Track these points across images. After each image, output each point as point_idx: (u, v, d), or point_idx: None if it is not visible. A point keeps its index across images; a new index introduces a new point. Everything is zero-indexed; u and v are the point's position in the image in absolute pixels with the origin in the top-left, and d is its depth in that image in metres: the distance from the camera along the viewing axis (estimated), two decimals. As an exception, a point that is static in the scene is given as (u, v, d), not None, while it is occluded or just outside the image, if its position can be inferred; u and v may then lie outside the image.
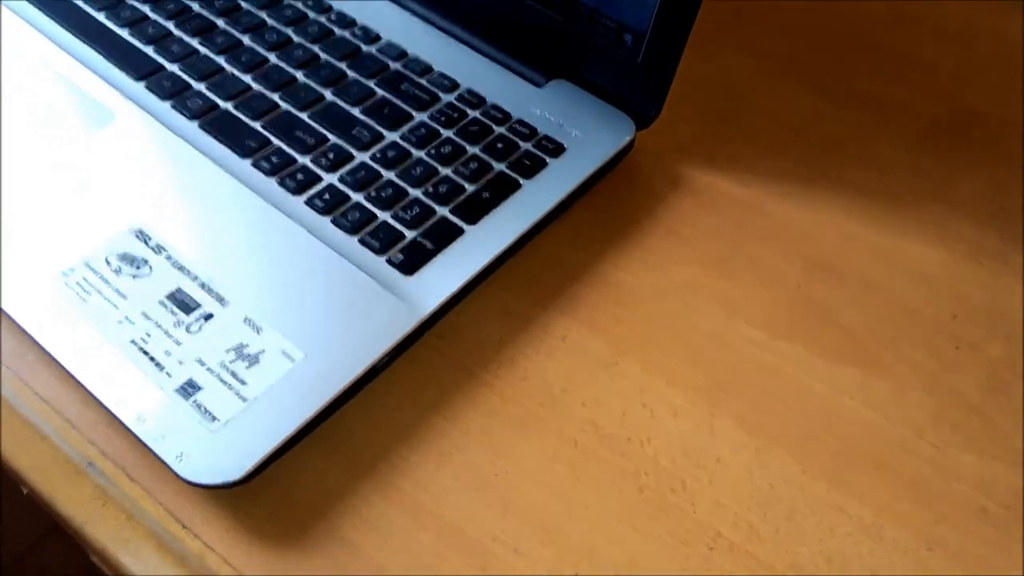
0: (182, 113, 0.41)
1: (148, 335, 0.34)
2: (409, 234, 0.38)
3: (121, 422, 0.32)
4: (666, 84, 0.42)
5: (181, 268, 0.36)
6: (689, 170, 0.44)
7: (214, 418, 0.32)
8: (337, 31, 0.46)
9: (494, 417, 0.34)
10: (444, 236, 0.38)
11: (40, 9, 0.45)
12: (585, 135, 0.42)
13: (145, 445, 0.31)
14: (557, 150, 0.41)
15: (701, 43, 0.48)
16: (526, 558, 0.31)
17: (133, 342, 0.34)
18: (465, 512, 0.32)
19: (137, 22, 0.45)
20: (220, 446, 0.31)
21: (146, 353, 0.33)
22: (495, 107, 0.43)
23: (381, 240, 0.37)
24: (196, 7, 0.46)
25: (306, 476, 0.32)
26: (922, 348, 0.38)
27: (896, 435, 0.35)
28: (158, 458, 0.31)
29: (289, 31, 0.46)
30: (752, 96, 0.47)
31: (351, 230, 0.38)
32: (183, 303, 0.35)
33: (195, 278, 0.36)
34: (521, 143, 0.41)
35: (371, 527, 0.31)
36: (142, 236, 0.37)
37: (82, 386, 0.33)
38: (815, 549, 0.32)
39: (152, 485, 0.32)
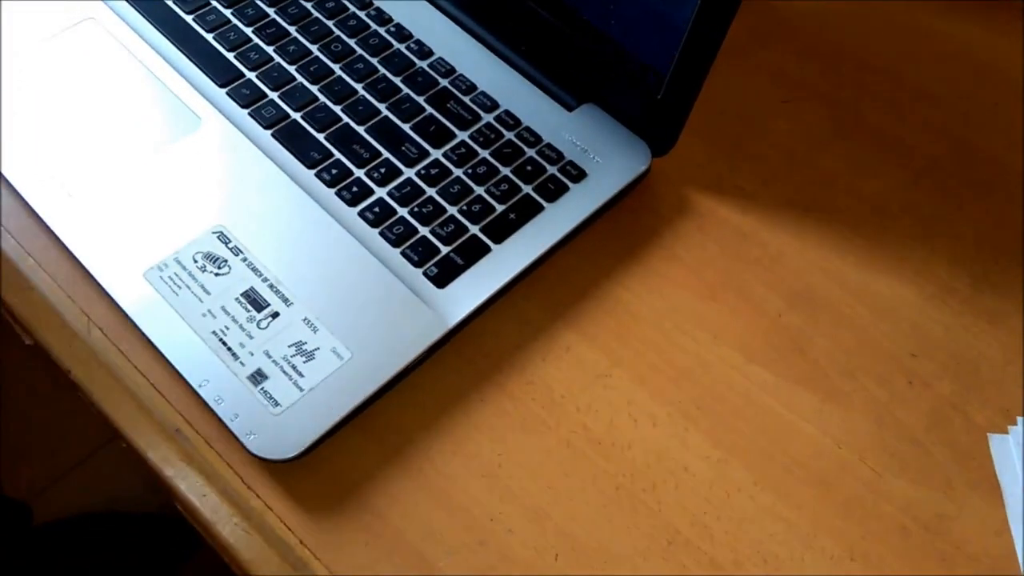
0: (258, 121, 0.48)
1: (227, 328, 0.41)
2: (444, 249, 0.44)
3: (203, 400, 0.40)
4: (681, 120, 0.46)
5: (255, 269, 0.43)
6: (697, 195, 0.49)
7: (277, 403, 0.40)
8: (395, 44, 0.51)
9: (502, 415, 0.42)
10: (473, 253, 0.44)
11: (136, 8, 0.51)
12: (606, 162, 0.47)
13: (222, 421, 0.39)
14: (579, 176, 0.47)
15: (725, 66, 0.52)
16: (517, 537, 0.39)
17: (214, 333, 0.41)
18: (471, 494, 0.39)
19: (220, 27, 0.51)
20: (281, 428, 0.39)
21: (225, 344, 0.41)
22: (528, 130, 0.48)
23: (420, 254, 0.44)
24: (272, 13, 0.52)
25: (347, 455, 0.40)
26: (878, 381, 0.43)
27: (841, 457, 0.41)
28: (232, 433, 0.39)
29: (353, 43, 0.51)
30: (765, 122, 0.52)
31: (395, 243, 0.44)
32: (255, 301, 0.42)
33: (265, 279, 0.43)
34: (548, 167, 0.47)
35: (395, 500, 0.39)
36: (223, 237, 0.44)
37: (172, 367, 0.41)
38: (756, 551, 0.39)
39: (226, 452, 0.40)
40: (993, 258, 0.48)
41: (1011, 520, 0.41)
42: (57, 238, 0.43)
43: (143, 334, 0.41)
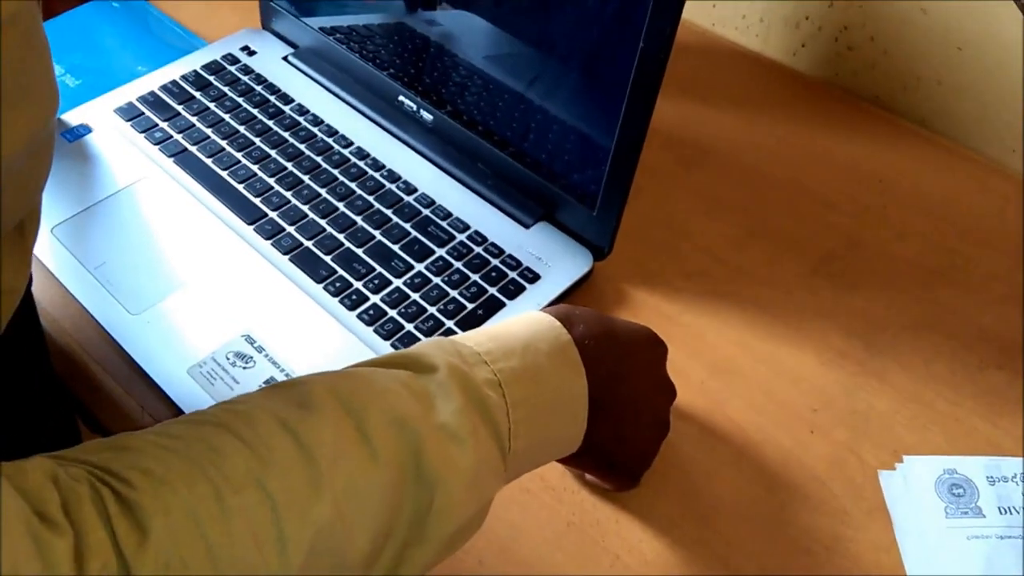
0: (278, 249, 0.60)
1: (251, 409, 0.52)
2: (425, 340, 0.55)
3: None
4: (613, 232, 0.58)
5: (275, 363, 0.54)
6: (633, 289, 0.59)
7: (291, 466, 0.49)
8: (387, 184, 0.64)
9: (474, 471, 0.51)
10: (449, 343, 0.55)
11: (180, 166, 0.65)
12: (555, 266, 0.59)
13: (247, 482, 0.49)
14: (534, 278, 0.58)
15: (657, 188, 0.64)
16: (487, 568, 0.47)
17: (241, 414, 0.51)
18: (449, 534, 0.48)
19: (249, 179, 0.64)
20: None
21: (249, 422, 0.51)
22: (493, 244, 0.60)
23: (404, 344, 0.55)
24: (290, 166, 0.65)
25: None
26: (785, 433, 0.52)
27: (753, 493, 0.50)
28: (255, 491, 0.49)
29: (353, 185, 0.64)
30: (688, 230, 0.63)
31: (386, 337, 0.55)
32: (274, 388, 0.53)
33: (284, 371, 0.53)
34: (509, 272, 0.58)
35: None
36: (249, 339, 0.55)
37: (209, 442, 0.51)
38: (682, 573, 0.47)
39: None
40: (881, 328, 0.57)
41: (899, 539, 0.48)
42: (120, 347, 0.55)
43: (186, 418, 0.52)
